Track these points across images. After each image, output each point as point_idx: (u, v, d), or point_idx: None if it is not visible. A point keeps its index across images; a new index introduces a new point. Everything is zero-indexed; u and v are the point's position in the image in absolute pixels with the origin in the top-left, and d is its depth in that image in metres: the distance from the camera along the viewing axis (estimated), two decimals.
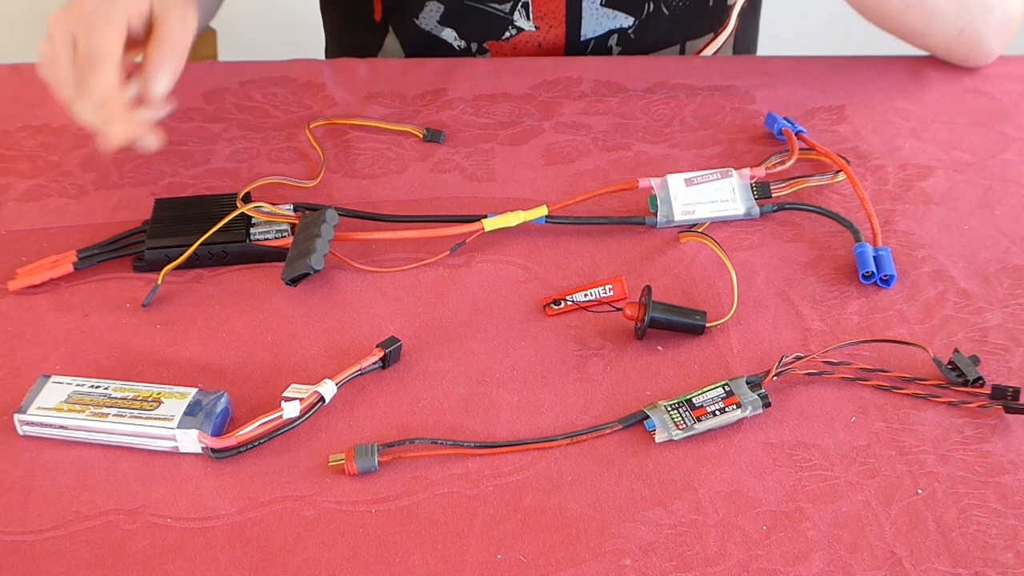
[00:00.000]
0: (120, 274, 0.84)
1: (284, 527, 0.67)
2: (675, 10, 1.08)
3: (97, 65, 0.79)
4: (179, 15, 0.82)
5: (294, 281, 0.81)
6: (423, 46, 1.09)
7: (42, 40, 0.83)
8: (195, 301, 0.82)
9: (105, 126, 0.80)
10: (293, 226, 0.84)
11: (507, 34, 1.07)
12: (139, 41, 0.82)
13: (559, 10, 1.05)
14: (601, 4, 1.05)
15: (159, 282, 0.81)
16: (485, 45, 1.08)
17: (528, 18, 1.06)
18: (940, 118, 0.97)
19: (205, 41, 1.25)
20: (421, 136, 0.95)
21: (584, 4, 1.05)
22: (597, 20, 1.07)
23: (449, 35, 1.09)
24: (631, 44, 1.09)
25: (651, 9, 1.07)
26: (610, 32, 1.08)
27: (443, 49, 1.09)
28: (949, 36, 0.98)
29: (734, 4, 1.14)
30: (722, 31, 1.14)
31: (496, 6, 1.05)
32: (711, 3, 1.10)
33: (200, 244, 0.82)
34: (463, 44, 1.09)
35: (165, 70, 0.81)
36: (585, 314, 0.80)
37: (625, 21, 1.07)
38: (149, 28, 0.82)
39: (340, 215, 0.83)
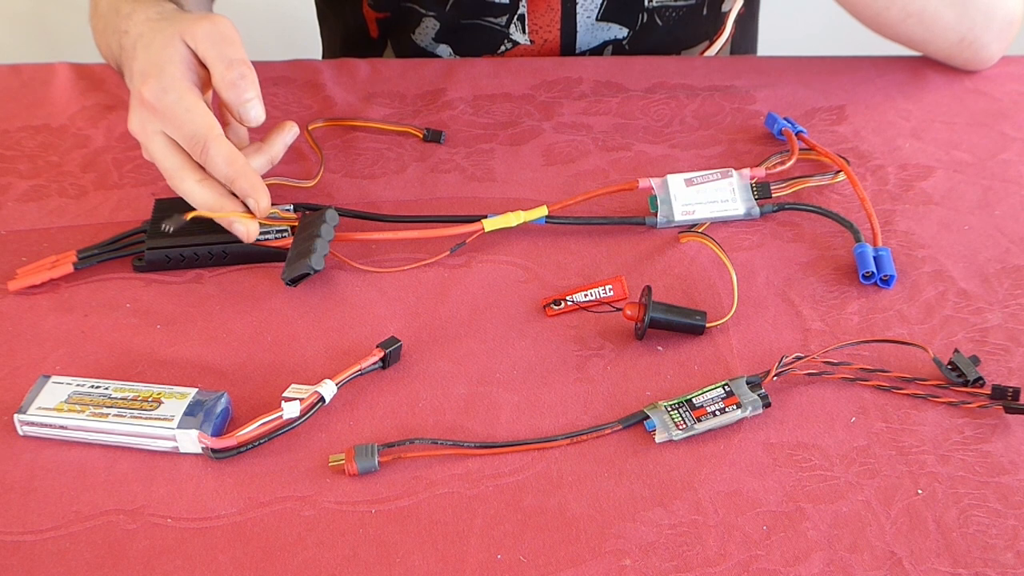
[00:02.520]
0: (120, 274, 0.84)
1: (284, 527, 0.67)
2: (669, 20, 1.08)
3: (207, 146, 0.78)
4: (212, 32, 0.80)
5: (294, 281, 0.81)
6: None
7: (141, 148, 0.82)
8: (195, 301, 0.82)
9: (227, 207, 0.79)
10: (293, 227, 0.84)
11: (502, 48, 1.07)
12: (206, 80, 0.81)
13: (554, 24, 1.05)
14: (597, 18, 1.05)
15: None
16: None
17: (524, 32, 1.05)
18: (940, 118, 0.97)
19: None
20: (421, 136, 0.95)
21: (579, 17, 1.05)
22: (592, 33, 1.07)
23: (444, 51, 1.08)
24: (625, 55, 1.09)
25: (645, 20, 1.07)
26: (605, 43, 1.08)
27: None
28: (950, 43, 0.98)
29: (729, 11, 1.14)
30: (717, 38, 1.14)
31: (492, 20, 1.05)
32: (705, 12, 1.10)
33: (199, 245, 0.82)
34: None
35: (250, 97, 0.79)
36: (585, 314, 0.80)
37: (620, 32, 1.07)
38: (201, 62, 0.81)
39: (340, 215, 0.83)
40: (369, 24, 1.11)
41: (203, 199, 0.79)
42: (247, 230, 0.80)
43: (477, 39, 1.07)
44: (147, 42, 0.81)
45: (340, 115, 0.98)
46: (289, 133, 0.84)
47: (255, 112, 0.80)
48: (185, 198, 0.80)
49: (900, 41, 1.00)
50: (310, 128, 0.95)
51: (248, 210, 0.80)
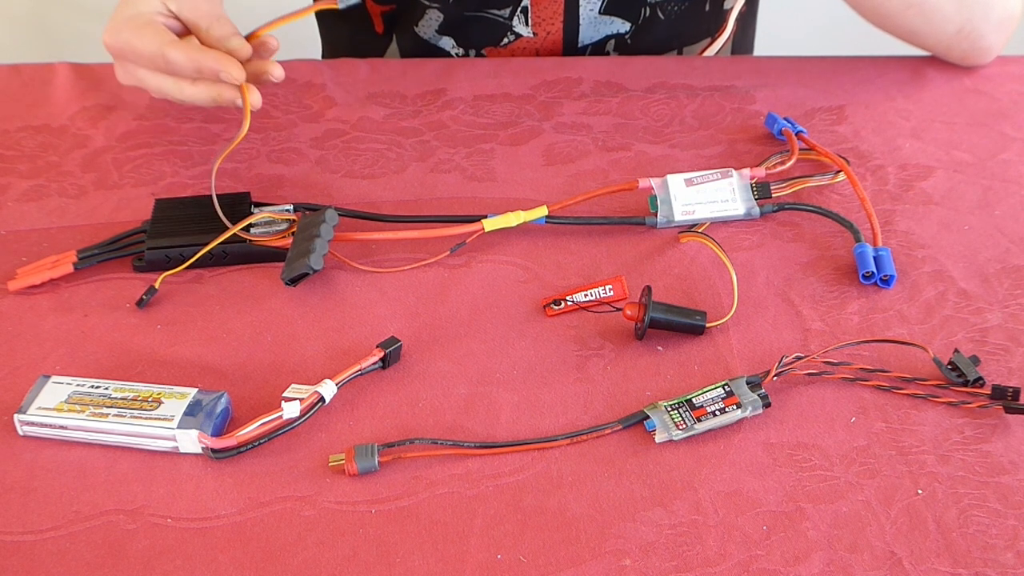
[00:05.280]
0: (120, 274, 0.84)
1: (284, 527, 0.67)
2: (671, 15, 1.08)
3: (165, 56, 0.85)
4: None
5: (294, 281, 0.81)
6: (420, 54, 1.09)
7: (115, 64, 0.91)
8: (195, 301, 0.82)
9: (223, 91, 0.87)
10: (292, 222, 0.84)
11: (505, 40, 1.07)
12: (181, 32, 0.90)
13: (557, 16, 1.05)
14: (600, 12, 1.05)
15: (156, 286, 0.81)
16: (483, 52, 1.08)
17: (527, 24, 1.06)
18: (940, 118, 0.97)
19: None
20: (338, 5, 0.90)
21: (582, 11, 1.05)
22: (595, 26, 1.07)
23: (447, 43, 1.08)
24: (628, 49, 1.09)
25: (647, 14, 1.07)
26: (607, 38, 1.08)
27: (440, 56, 1.09)
28: (948, 35, 0.98)
29: (731, 8, 1.14)
30: (719, 35, 1.14)
31: (495, 12, 1.05)
32: (707, 7, 1.10)
33: (199, 245, 0.82)
34: (461, 52, 1.09)
35: (231, 34, 0.88)
36: (585, 314, 0.80)
37: (622, 27, 1.07)
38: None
39: (340, 215, 0.83)
40: (374, 19, 1.11)
41: (204, 94, 0.87)
42: (256, 99, 0.87)
43: (480, 31, 1.07)
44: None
45: (340, 115, 0.98)
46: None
47: (243, 47, 0.87)
48: (190, 102, 0.88)
49: (898, 33, 1.00)
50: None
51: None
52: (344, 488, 0.69)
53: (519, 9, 1.05)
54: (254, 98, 0.87)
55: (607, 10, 1.06)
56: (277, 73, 0.88)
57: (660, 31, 1.09)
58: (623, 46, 1.09)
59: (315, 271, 0.80)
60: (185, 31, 0.90)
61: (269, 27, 0.89)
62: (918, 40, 1.01)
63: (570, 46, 1.08)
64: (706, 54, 1.14)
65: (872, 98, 0.99)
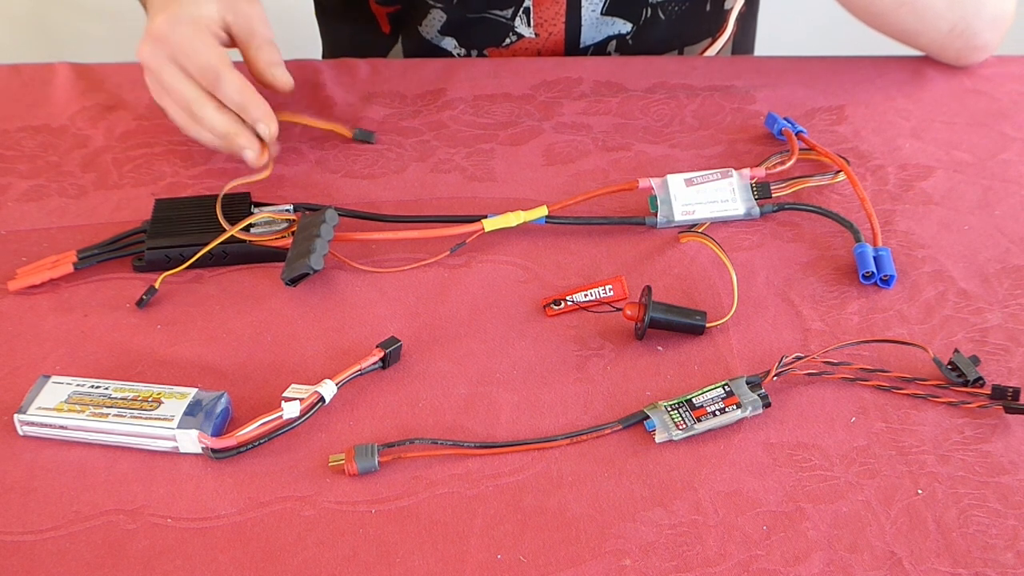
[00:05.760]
0: (120, 274, 0.84)
1: (284, 527, 0.67)
2: (672, 15, 1.08)
3: (220, 74, 0.85)
4: (248, 12, 0.89)
5: (294, 281, 0.81)
6: (423, 54, 1.09)
7: (146, 75, 0.88)
8: (195, 301, 0.82)
9: (241, 135, 0.87)
10: (292, 222, 0.84)
11: (507, 40, 1.07)
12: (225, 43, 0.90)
13: (559, 17, 1.05)
14: (601, 13, 1.05)
15: (156, 286, 0.81)
16: (485, 52, 1.08)
17: (529, 25, 1.06)
18: (940, 118, 0.97)
19: None
20: (351, 136, 0.94)
21: (584, 12, 1.05)
22: (596, 27, 1.07)
23: (449, 44, 1.09)
24: (629, 50, 1.09)
25: (649, 15, 1.07)
26: (609, 38, 1.08)
27: (441, 57, 1.09)
28: (942, 33, 0.98)
29: (731, 9, 1.14)
30: (720, 36, 1.14)
31: (497, 13, 1.05)
32: (708, 8, 1.10)
33: (199, 245, 0.82)
34: (463, 52, 1.09)
35: (277, 64, 0.89)
36: (585, 314, 0.80)
37: (624, 27, 1.07)
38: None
39: (340, 215, 0.83)
40: (380, 20, 1.12)
41: (222, 125, 0.86)
42: (256, 157, 0.87)
43: (482, 32, 1.07)
44: None
45: (340, 115, 0.98)
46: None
47: (283, 75, 0.89)
48: (203, 124, 0.86)
49: (891, 33, 1.00)
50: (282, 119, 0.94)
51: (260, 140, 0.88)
52: (344, 488, 0.69)
53: (521, 10, 1.05)
54: (262, 156, 0.88)
55: (609, 11, 1.06)
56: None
57: (661, 31, 1.09)
58: (624, 47, 1.09)
59: (315, 271, 0.80)
60: (230, 47, 0.90)
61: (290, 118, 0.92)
62: (912, 39, 1.01)
63: (572, 47, 1.08)
64: (706, 54, 1.14)
65: (872, 98, 0.99)
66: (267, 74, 0.89)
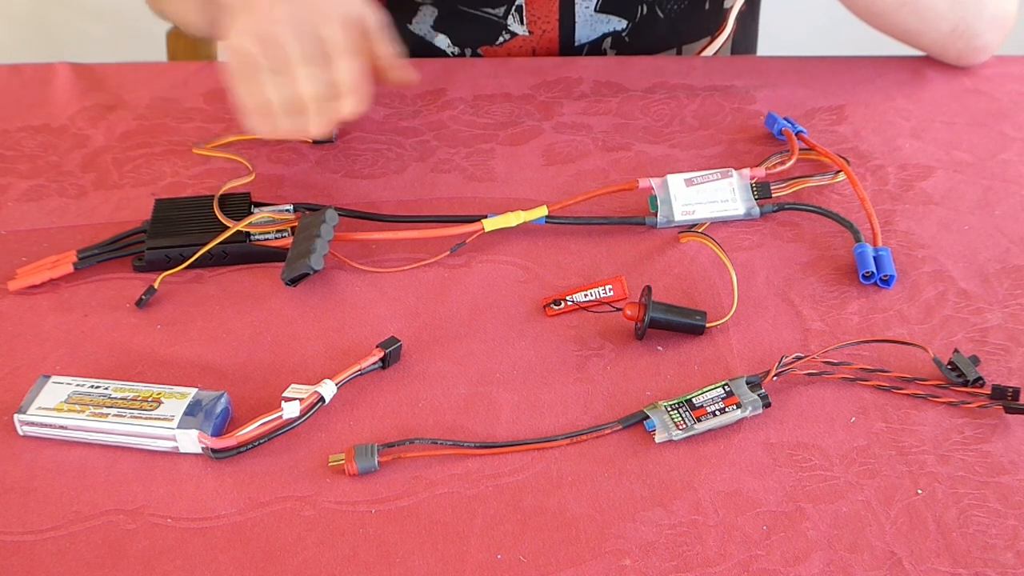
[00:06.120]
0: (120, 274, 0.84)
1: (284, 527, 0.67)
2: (671, 13, 1.08)
3: (339, 53, 0.79)
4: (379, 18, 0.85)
5: (294, 281, 0.81)
6: (416, 52, 1.09)
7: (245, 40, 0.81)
8: (195, 301, 0.82)
9: (328, 108, 0.81)
10: (293, 227, 0.84)
11: (501, 39, 1.07)
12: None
13: (552, 14, 1.05)
14: (596, 10, 1.05)
15: (155, 286, 0.81)
16: (479, 51, 1.08)
17: (522, 23, 1.05)
18: (940, 118, 0.97)
19: (205, 41, 1.25)
20: (311, 142, 0.94)
21: (578, 9, 1.05)
22: (591, 25, 1.07)
23: (442, 41, 1.08)
24: (625, 47, 1.09)
25: (645, 12, 1.07)
26: (604, 36, 1.08)
27: (436, 55, 1.09)
28: (943, 34, 0.98)
29: (731, 7, 1.14)
30: (719, 34, 1.14)
31: (489, 11, 1.05)
32: (707, 6, 1.10)
33: (199, 245, 0.82)
34: (456, 50, 1.09)
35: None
36: (585, 314, 0.80)
37: (619, 24, 1.07)
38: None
39: (340, 215, 0.83)
40: None
41: (314, 88, 0.79)
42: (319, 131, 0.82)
43: (475, 30, 1.07)
44: None
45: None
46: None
47: (410, 73, 0.89)
48: (291, 88, 0.80)
49: (893, 33, 1.00)
50: (195, 151, 0.93)
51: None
52: (344, 488, 0.69)
53: (513, 7, 1.05)
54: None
55: (603, 8, 1.05)
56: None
57: (659, 29, 1.09)
58: (621, 44, 1.09)
59: (315, 271, 0.80)
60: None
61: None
62: (913, 40, 1.01)
63: (566, 44, 1.07)
64: (706, 53, 1.14)
65: (872, 98, 0.99)
66: (391, 71, 0.87)
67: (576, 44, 1.08)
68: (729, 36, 1.16)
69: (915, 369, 0.75)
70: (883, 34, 1.01)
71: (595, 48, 1.09)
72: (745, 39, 1.22)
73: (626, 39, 1.08)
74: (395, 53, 0.87)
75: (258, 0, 0.83)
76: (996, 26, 0.98)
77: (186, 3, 0.98)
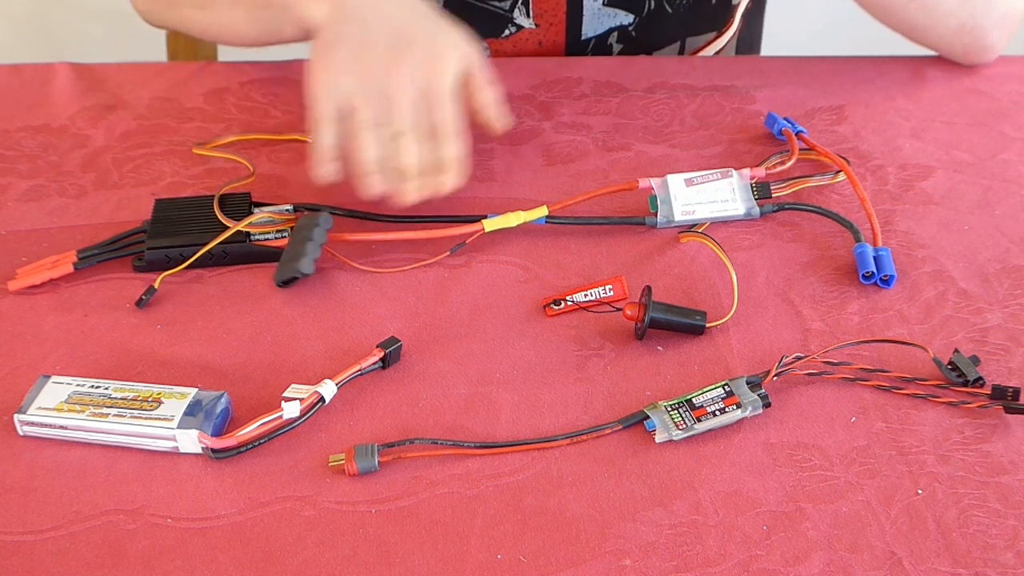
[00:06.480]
0: (120, 274, 0.84)
1: (284, 527, 0.67)
2: (678, 8, 1.08)
3: (452, 133, 0.80)
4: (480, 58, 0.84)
5: (285, 283, 0.81)
6: None
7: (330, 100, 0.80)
8: (195, 301, 0.82)
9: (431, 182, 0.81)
10: (291, 222, 0.84)
11: (507, 32, 1.07)
12: None
13: (559, 8, 1.05)
14: (603, 3, 1.05)
15: (155, 285, 0.81)
16: (485, 43, 1.08)
17: (528, 16, 1.05)
18: (940, 118, 0.97)
19: (205, 42, 1.25)
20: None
21: (585, 2, 1.05)
22: (598, 19, 1.07)
23: None
24: (632, 42, 1.09)
25: (652, 7, 1.07)
26: (611, 30, 1.08)
27: None
28: (950, 30, 0.98)
29: (738, 4, 1.14)
30: (725, 31, 1.14)
31: (496, 4, 1.05)
32: (714, 1, 1.10)
33: (199, 245, 0.82)
34: None
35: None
36: (585, 314, 0.80)
37: (626, 19, 1.07)
38: None
39: (340, 215, 0.83)
40: None
41: (422, 161, 0.80)
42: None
43: (481, 23, 1.06)
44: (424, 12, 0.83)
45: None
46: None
47: (505, 117, 0.85)
48: (394, 152, 0.80)
49: (900, 28, 1.00)
50: (195, 151, 0.93)
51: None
52: (344, 488, 0.69)
53: (520, 1, 1.05)
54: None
55: (611, 2, 1.05)
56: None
57: (666, 24, 1.09)
58: (627, 39, 1.09)
59: (304, 275, 0.80)
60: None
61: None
62: (919, 36, 1.01)
63: (573, 38, 1.07)
64: (711, 49, 1.14)
65: (872, 98, 0.99)
66: (484, 112, 0.84)
67: (583, 38, 1.07)
68: (735, 33, 1.16)
69: (915, 369, 0.75)
70: (889, 29, 1.01)
71: (601, 42, 1.08)
72: (750, 37, 1.22)
73: (633, 33, 1.08)
74: (496, 98, 0.84)
75: (368, 30, 0.81)
76: (1003, 25, 0.98)
77: (234, 11, 0.94)
